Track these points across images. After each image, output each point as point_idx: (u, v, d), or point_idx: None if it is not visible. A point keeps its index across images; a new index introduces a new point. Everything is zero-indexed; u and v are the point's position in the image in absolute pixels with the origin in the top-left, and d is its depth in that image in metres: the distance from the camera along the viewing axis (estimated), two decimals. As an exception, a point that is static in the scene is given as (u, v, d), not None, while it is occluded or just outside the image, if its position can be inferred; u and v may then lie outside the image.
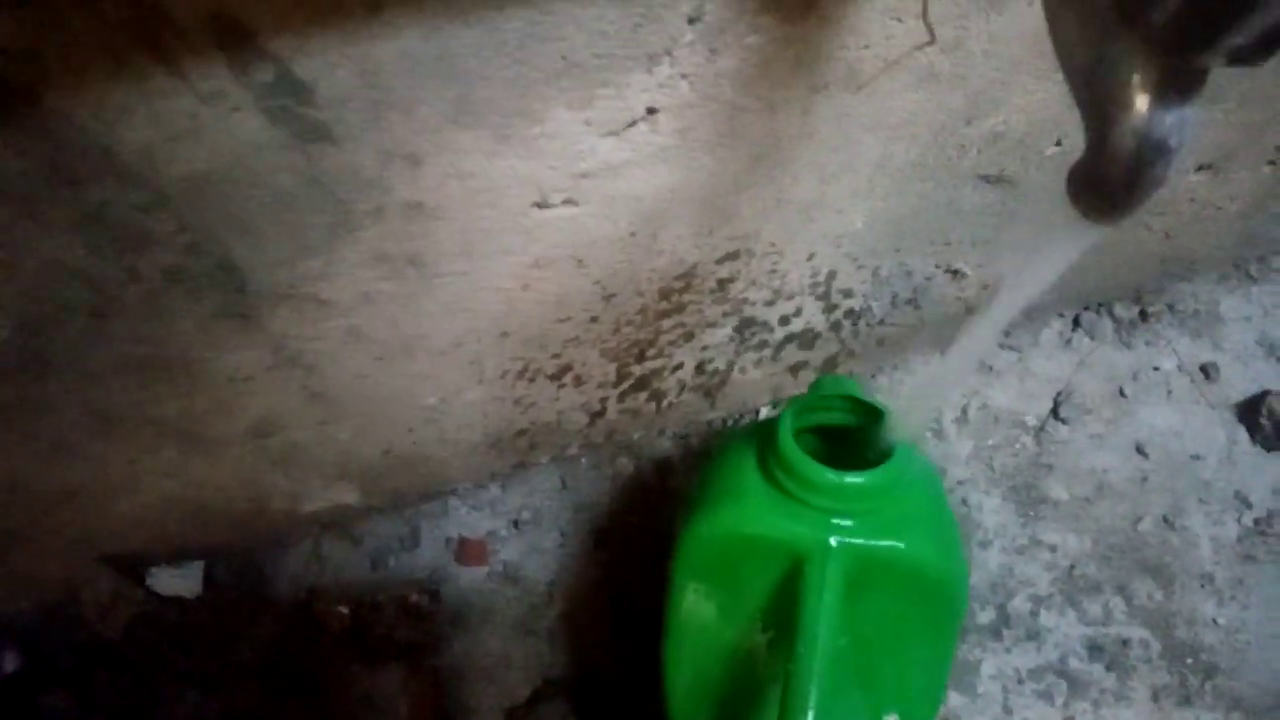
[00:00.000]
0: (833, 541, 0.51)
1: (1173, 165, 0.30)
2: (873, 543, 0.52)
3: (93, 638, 0.79)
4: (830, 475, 0.51)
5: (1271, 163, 0.79)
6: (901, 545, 0.52)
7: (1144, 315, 0.96)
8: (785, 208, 0.62)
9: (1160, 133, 0.29)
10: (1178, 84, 0.29)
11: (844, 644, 0.50)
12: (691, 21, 0.45)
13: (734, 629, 0.57)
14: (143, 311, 0.51)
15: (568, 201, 0.54)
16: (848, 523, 0.52)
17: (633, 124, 0.50)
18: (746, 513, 0.54)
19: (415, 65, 0.42)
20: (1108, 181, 0.31)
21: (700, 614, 0.58)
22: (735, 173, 0.56)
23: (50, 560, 0.74)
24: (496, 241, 0.55)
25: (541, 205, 0.54)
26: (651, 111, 0.50)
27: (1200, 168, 0.78)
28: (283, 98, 0.41)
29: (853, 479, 0.51)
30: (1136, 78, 0.29)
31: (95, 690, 0.78)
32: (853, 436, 0.57)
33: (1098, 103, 0.31)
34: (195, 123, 0.41)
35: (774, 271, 0.69)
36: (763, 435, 0.56)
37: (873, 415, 0.56)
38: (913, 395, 0.51)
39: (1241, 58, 0.27)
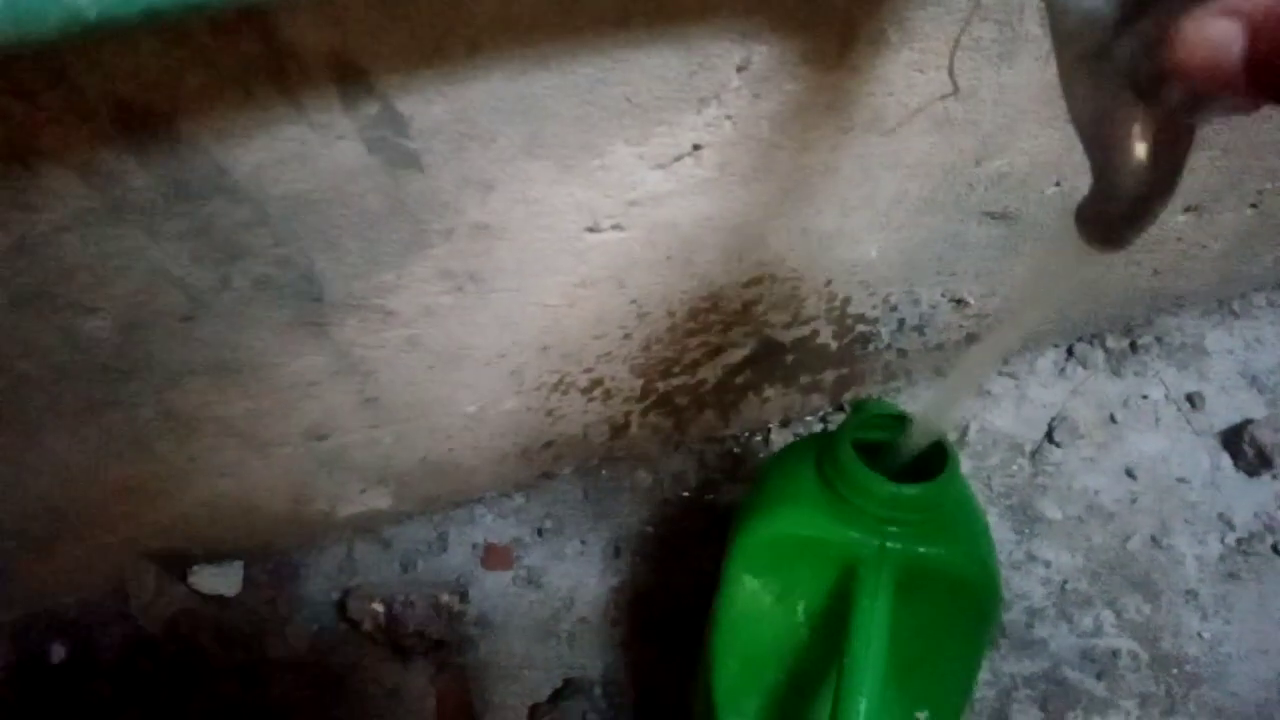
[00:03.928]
0: (886, 547, 0.55)
1: (1167, 204, 0.36)
2: (921, 550, 0.55)
3: (136, 631, 0.83)
4: (889, 485, 0.54)
5: (1253, 205, 0.85)
6: (947, 553, 0.56)
7: (1134, 347, 1.01)
8: (808, 237, 0.67)
9: (1156, 177, 0.35)
10: (1173, 137, 0.34)
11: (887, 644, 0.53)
12: (740, 69, 0.50)
13: (784, 625, 0.61)
14: (228, 318, 0.56)
15: (616, 227, 0.60)
16: (898, 530, 0.55)
17: (679, 158, 0.55)
18: (804, 516, 0.58)
19: (499, 103, 0.47)
20: (1111, 216, 0.37)
21: (752, 609, 0.61)
22: (765, 204, 0.62)
23: (100, 555, 0.78)
24: (549, 261, 0.60)
25: (593, 230, 0.59)
26: (697, 148, 0.55)
27: (1187, 209, 0.84)
28: (383, 129, 0.46)
29: (909, 490, 0.54)
30: (1138, 129, 0.34)
31: (136, 681, 0.81)
32: (894, 452, 0.61)
33: (1104, 150, 0.36)
34: (304, 148, 0.46)
35: (794, 296, 0.75)
36: (821, 445, 0.60)
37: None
38: (937, 401, 0.55)
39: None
